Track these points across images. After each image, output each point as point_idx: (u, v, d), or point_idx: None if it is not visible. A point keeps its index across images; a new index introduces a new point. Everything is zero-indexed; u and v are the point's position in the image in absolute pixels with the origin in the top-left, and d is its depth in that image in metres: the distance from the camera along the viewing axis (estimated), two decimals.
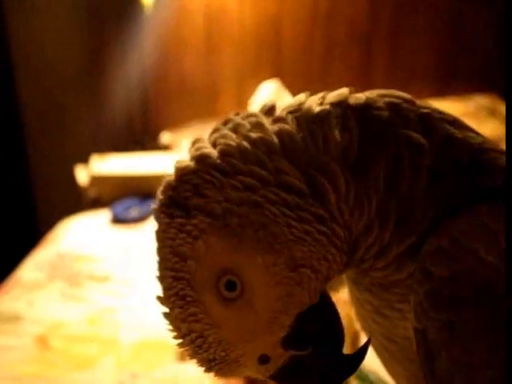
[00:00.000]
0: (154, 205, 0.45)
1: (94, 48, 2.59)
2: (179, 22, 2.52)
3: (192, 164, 0.43)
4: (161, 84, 2.62)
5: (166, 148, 2.44)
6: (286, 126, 0.44)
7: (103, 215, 1.95)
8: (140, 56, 2.55)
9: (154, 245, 0.44)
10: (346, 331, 0.47)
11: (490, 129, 2.10)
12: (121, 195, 1.98)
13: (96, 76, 2.59)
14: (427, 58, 2.53)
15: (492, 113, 2.26)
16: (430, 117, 0.45)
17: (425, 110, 0.45)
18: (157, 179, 2.05)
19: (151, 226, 1.90)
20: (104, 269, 1.63)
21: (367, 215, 0.44)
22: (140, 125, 2.67)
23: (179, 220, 0.42)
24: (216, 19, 2.48)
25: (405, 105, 0.45)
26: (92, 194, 2.08)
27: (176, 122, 2.52)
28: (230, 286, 0.42)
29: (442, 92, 2.37)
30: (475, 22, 2.47)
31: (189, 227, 0.42)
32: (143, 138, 2.57)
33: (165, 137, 2.52)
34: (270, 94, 2.07)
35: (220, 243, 0.41)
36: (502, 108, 2.24)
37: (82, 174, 2.15)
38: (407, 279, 0.45)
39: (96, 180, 2.04)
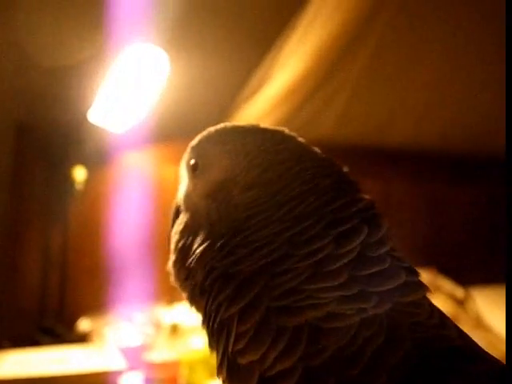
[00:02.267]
0: None
1: (14, 219, 2.34)
2: (109, 199, 2.39)
3: None
4: (82, 263, 2.34)
5: (83, 338, 2.04)
6: None
7: None
8: (63, 232, 2.33)
9: None
10: None
11: (437, 304, 2.18)
12: None
13: (11, 252, 2.29)
14: None
15: (435, 288, 2.29)
16: None
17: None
18: (65, 382, 1.62)
19: None
20: None
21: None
22: (54, 310, 2.28)
23: None
24: (155, 197, 2.37)
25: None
26: None
27: (97, 307, 2.19)
28: None
29: None
30: (409, 210, 2.66)
31: None
32: (55, 326, 2.16)
33: (83, 324, 2.13)
34: None
35: None
36: (443, 283, 2.32)
37: None
38: None
39: None
